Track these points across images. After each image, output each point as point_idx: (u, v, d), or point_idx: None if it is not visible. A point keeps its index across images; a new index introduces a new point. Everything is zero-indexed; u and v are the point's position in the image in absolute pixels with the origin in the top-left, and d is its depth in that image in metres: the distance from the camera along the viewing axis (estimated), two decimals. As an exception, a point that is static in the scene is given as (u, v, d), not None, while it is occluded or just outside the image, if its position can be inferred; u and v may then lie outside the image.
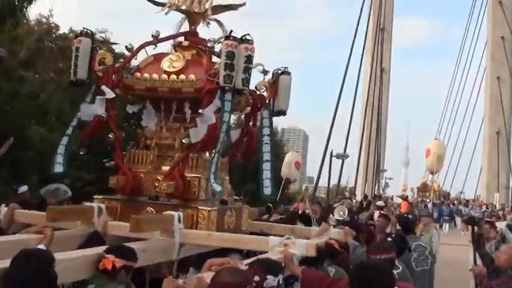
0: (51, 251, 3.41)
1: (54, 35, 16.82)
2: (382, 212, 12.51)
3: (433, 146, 30.26)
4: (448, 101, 55.11)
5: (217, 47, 5.78)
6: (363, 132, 44.42)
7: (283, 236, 4.85)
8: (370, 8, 43.77)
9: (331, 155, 28.77)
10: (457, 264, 10.84)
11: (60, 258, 3.35)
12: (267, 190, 5.86)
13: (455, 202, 35.90)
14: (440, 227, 26.33)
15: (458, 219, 27.91)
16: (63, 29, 17.21)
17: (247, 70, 5.06)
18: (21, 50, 14.84)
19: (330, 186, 37.69)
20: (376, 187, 44.77)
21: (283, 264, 3.88)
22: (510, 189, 49.22)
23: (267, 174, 5.90)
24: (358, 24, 39.06)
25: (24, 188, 8.48)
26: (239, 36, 5.10)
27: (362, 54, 41.27)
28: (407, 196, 34.29)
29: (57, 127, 13.56)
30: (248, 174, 19.93)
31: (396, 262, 5.48)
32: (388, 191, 43.31)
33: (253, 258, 3.91)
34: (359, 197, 35.25)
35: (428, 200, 32.15)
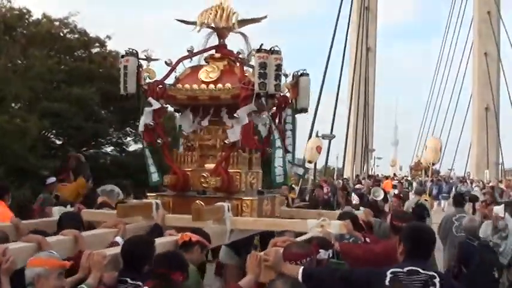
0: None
1: (26, 22, 16.65)
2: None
3: (431, 142, 33.85)
4: (435, 78, 55.49)
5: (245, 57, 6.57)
6: (349, 111, 43.78)
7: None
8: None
9: (317, 136, 29.36)
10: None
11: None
12: (280, 178, 6.27)
13: (453, 180, 36.59)
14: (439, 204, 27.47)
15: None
16: (37, 15, 16.95)
17: (278, 77, 5.77)
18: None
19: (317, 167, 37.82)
20: (365, 167, 44.40)
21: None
22: (500, 166, 49.31)
23: (279, 162, 6.32)
24: (341, 4, 39.46)
25: (52, 180, 9.27)
26: (268, 48, 5.81)
27: (347, 33, 41.18)
28: (391, 176, 35.03)
29: (15, 114, 12.42)
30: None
31: None
32: (378, 170, 43.09)
33: (307, 236, 4.70)
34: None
35: (420, 178, 32.31)
